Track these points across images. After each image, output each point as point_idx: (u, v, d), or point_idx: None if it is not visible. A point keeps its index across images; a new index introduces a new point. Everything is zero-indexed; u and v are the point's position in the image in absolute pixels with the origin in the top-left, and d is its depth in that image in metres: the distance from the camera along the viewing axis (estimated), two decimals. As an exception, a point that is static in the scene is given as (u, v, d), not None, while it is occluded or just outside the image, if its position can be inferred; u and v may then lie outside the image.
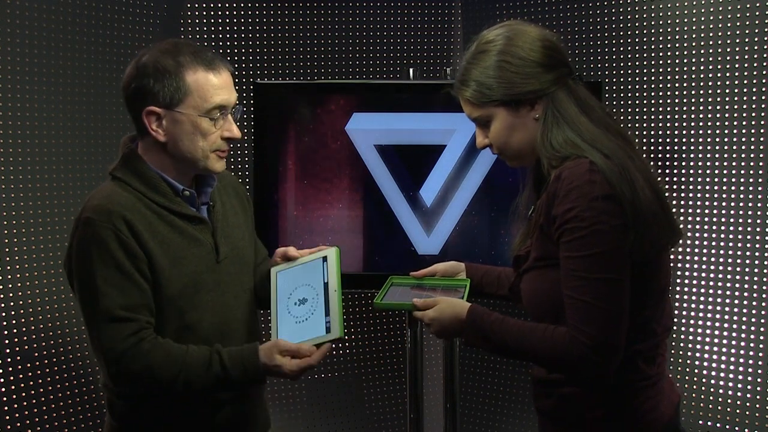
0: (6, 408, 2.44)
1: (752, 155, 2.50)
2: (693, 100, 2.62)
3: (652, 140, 2.72)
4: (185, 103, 1.58)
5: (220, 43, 2.97)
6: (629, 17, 2.75)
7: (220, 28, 2.97)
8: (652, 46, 2.70)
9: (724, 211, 2.57)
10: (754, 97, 2.49)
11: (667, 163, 2.68)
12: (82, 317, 1.60)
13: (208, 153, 1.63)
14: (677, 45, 2.64)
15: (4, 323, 2.45)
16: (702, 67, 2.59)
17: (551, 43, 1.51)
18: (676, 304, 2.66)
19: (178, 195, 1.66)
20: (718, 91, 2.56)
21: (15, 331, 2.47)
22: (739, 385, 2.55)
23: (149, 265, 1.57)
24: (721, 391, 2.59)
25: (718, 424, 2.59)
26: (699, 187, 2.63)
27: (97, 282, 1.53)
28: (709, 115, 2.59)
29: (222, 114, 1.62)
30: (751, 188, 2.51)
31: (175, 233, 1.63)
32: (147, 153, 1.66)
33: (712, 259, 2.61)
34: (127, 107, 1.64)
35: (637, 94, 2.75)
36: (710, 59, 2.57)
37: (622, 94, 2.78)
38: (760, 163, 2.49)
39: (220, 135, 1.63)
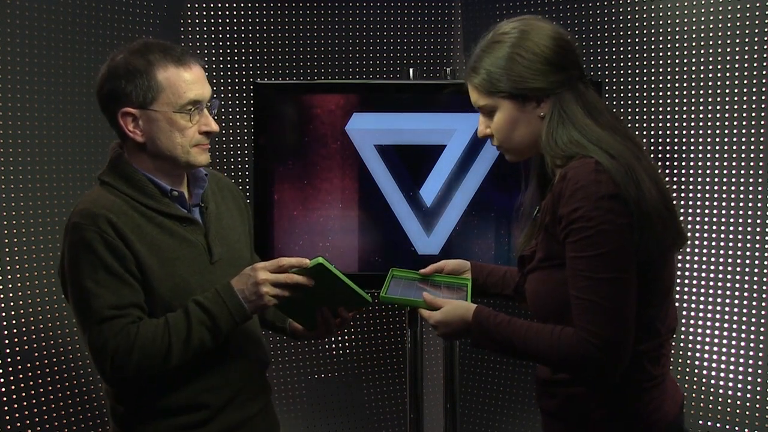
0: (6, 408, 2.44)
1: (752, 155, 2.50)
2: (693, 100, 2.62)
3: (652, 140, 2.71)
4: (159, 100, 1.58)
5: (220, 43, 2.97)
6: (629, 17, 2.75)
7: (220, 28, 2.97)
8: (652, 46, 2.70)
9: (724, 211, 2.57)
10: (754, 97, 2.49)
11: (667, 163, 2.68)
12: (77, 323, 1.60)
13: (188, 148, 1.62)
14: (677, 45, 2.64)
15: (4, 323, 2.45)
16: (702, 67, 2.59)
17: (566, 43, 1.51)
18: (677, 304, 2.66)
19: (166, 196, 1.65)
20: (718, 91, 2.56)
21: (15, 331, 2.47)
22: (740, 385, 2.55)
23: (138, 266, 1.57)
24: (721, 391, 2.59)
25: (718, 424, 2.59)
26: (699, 187, 2.63)
27: (87, 285, 1.53)
28: (709, 115, 2.59)
29: (197, 108, 1.62)
30: (751, 188, 2.51)
31: (165, 234, 1.62)
32: (132, 157, 1.65)
33: (713, 259, 2.61)
34: (102, 111, 1.64)
35: (637, 94, 2.75)
36: (710, 59, 2.57)
37: (622, 94, 2.78)
38: (760, 163, 2.49)
39: (197, 130, 1.63)
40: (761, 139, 2.48)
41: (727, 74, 2.54)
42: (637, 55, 2.74)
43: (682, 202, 2.65)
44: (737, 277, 2.56)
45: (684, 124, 2.65)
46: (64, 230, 1.60)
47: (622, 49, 2.78)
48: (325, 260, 1.54)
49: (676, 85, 2.65)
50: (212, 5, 2.95)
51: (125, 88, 1.58)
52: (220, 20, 2.96)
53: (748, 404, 2.53)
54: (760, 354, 2.51)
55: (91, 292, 1.53)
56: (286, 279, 1.55)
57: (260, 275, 1.55)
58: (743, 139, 2.52)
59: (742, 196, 2.53)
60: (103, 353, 1.53)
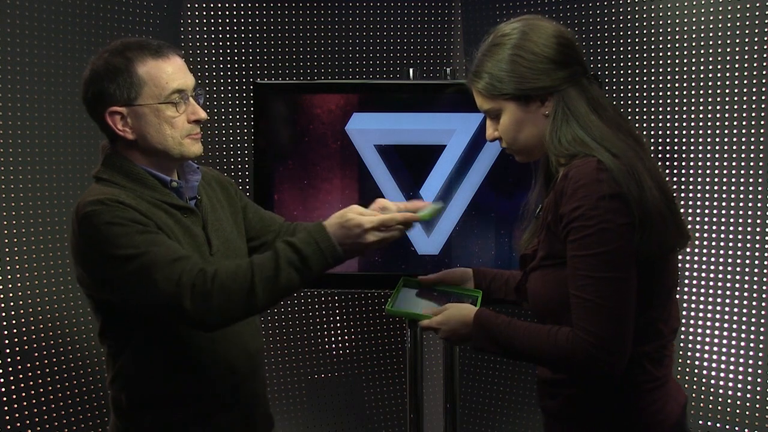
0: (6, 408, 2.44)
1: (752, 155, 2.50)
2: (693, 99, 2.62)
3: (653, 140, 2.71)
4: (143, 95, 1.58)
5: (220, 43, 2.97)
6: (629, 16, 2.75)
7: (220, 29, 2.97)
8: (652, 46, 2.70)
9: (724, 211, 2.57)
10: (754, 97, 2.49)
11: (667, 163, 2.68)
12: (139, 300, 1.50)
13: (180, 140, 1.62)
14: (677, 44, 2.64)
15: (4, 323, 2.45)
16: (702, 67, 2.59)
17: (567, 41, 1.51)
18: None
19: (166, 186, 1.65)
20: (718, 90, 2.56)
21: (15, 331, 2.47)
22: (740, 386, 2.55)
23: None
24: (722, 391, 2.59)
25: (718, 425, 2.59)
26: (699, 187, 2.63)
27: (130, 252, 1.47)
28: (709, 115, 2.59)
29: (182, 98, 1.61)
30: (751, 188, 2.51)
31: (172, 221, 1.62)
32: (126, 155, 1.65)
33: (713, 259, 2.60)
34: (90, 115, 1.64)
35: (637, 94, 2.75)
36: (710, 59, 2.57)
37: (622, 94, 2.78)
38: (760, 163, 2.49)
39: (186, 119, 1.62)
40: (761, 139, 2.48)
41: (727, 74, 2.54)
42: (637, 55, 2.74)
43: (683, 202, 2.65)
44: (737, 277, 2.56)
45: (684, 123, 2.65)
46: (75, 227, 1.54)
47: (622, 48, 2.78)
48: (435, 208, 1.61)
49: (676, 84, 2.65)
50: (212, 5, 2.95)
51: (108, 88, 1.58)
52: (220, 20, 2.96)
53: (748, 404, 2.53)
54: (761, 354, 2.51)
55: (138, 256, 1.47)
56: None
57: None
58: (743, 139, 2.52)
59: (742, 196, 2.53)
60: (180, 289, 1.45)
